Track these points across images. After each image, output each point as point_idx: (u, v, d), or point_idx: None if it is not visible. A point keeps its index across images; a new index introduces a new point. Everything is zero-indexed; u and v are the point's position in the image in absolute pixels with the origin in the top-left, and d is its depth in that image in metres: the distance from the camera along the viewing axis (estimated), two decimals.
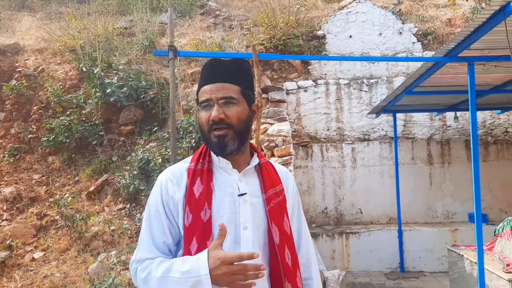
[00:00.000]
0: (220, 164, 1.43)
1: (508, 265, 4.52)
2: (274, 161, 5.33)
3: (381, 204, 7.84)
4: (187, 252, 1.33)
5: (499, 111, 7.75)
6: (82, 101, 7.72)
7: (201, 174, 1.40)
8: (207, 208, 1.34)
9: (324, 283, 3.32)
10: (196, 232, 1.32)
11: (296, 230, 1.52)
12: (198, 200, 1.35)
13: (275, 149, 5.42)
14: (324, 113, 8.55)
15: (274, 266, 1.38)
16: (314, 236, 7.12)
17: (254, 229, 1.37)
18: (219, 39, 9.25)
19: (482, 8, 9.98)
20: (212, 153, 1.44)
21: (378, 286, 6.34)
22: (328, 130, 8.51)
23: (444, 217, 7.78)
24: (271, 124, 6.36)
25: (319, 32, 9.48)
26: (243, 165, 1.44)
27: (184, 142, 6.61)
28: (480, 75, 4.59)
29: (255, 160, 1.47)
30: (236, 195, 1.38)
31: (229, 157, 1.41)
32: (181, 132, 6.86)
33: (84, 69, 7.84)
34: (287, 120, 6.81)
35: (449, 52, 3.80)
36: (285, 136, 5.57)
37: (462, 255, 5.42)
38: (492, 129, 8.16)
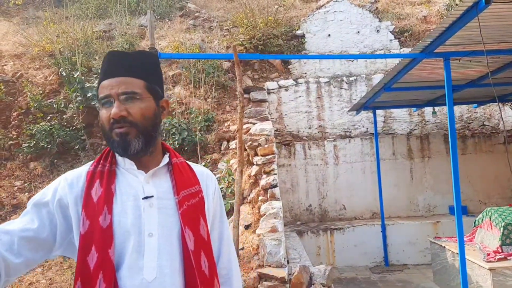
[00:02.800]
0: (126, 166, 1.29)
1: (488, 254, 4.65)
2: (258, 160, 5.33)
3: (364, 199, 7.95)
4: (84, 264, 1.16)
5: (475, 105, 7.95)
6: (62, 105, 7.61)
7: (101, 176, 1.25)
8: (106, 213, 1.19)
9: (310, 278, 3.37)
10: (95, 240, 1.17)
11: (217, 238, 1.40)
12: (96, 205, 1.20)
13: (258, 148, 5.45)
14: (306, 112, 8.62)
15: (189, 275, 1.24)
16: (300, 233, 7.18)
17: (162, 236, 1.22)
18: (199, 41, 9.24)
19: (456, 5, 10.21)
20: (116, 154, 1.30)
21: (364, 280, 6.43)
22: (310, 128, 8.59)
23: (425, 210, 7.94)
24: (254, 123, 6.39)
25: (298, 32, 9.55)
26: (152, 166, 1.30)
27: (168, 144, 6.58)
28: (456, 70, 4.71)
29: (165, 160, 1.33)
30: (140, 198, 1.24)
31: (135, 157, 1.28)
32: (164, 134, 6.83)
33: (64, 74, 7.72)
34: (269, 120, 6.85)
35: (425, 48, 3.89)
36: (267, 135, 5.60)
37: (444, 247, 5.55)
38: (469, 123, 8.36)
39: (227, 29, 9.97)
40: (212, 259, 1.30)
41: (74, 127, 7.34)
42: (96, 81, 7.63)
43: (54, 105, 7.63)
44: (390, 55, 7.93)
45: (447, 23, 3.29)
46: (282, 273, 3.47)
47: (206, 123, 7.26)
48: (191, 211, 1.28)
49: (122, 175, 1.29)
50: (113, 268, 1.17)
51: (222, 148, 6.95)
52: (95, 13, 10.26)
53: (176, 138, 6.71)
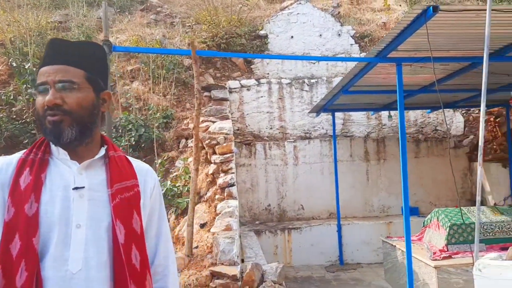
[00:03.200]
0: (59, 156, 1.27)
1: (434, 253, 4.85)
2: (216, 159, 5.31)
3: (322, 200, 8.08)
4: (6, 252, 1.14)
5: (429, 110, 8.26)
6: (12, 97, 7.28)
7: (32, 164, 1.23)
8: (33, 201, 1.17)
9: (262, 276, 3.39)
10: (19, 228, 1.15)
11: (154, 235, 1.39)
12: (23, 192, 1.18)
13: (217, 146, 5.43)
14: (267, 112, 8.67)
15: (118, 269, 1.22)
16: (258, 233, 7.21)
17: (90, 228, 1.21)
18: (160, 36, 9.10)
19: None
20: (51, 144, 1.28)
21: (318, 279, 6.54)
22: (271, 128, 8.64)
23: (380, 211, 8.17)
24: (213, 122, 6.36)
25: (262, 32, 9.59)
26: (87, 157, 1.29)
27: (123, 140, 6.44)
28: (409, 75, 4.88)
29: (101, 152, 1.32)
30: (70, 189, 1.22)
31: (70, 147, 1.26)
32: (120, 130, 6.67)
33: (14, 64, 7.40)
34: (229, 119, 6.84)
35: (379, 53, 4.00)
36: (226, 134, 5.59)
37: (395, 246, 5.74)
38: (423, 127, 8.67)
39: (190, 26, 9.87)
40: (144, 253, 1.28)
41: (23, 121, 7.04)
42: None
43: (3, 97, 7.29)
44: (346, 58, 8.12)
45: (398, 29, 3.40)
46: (234, 271, 3.47)
47: (165, 120, 7.16)
48: (124, 204, 1.27)
49: (54, 164, 1.27)
50: (37, 258, 1.14)
51: (181, 146, 6.88)
52: (51, 3, 9.88)
53: (133, 134, 6.58)
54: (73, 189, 1.23)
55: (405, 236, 4.13)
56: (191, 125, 7.05)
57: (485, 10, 2.82)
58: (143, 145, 6.68)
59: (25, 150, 1.30)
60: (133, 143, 6.52)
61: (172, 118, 7.35)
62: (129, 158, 1.41)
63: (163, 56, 8.20)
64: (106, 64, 1.42)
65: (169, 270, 1.41)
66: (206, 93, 7.94)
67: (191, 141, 6.53)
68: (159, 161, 6.19)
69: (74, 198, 1.22)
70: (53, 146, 1.29)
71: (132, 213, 1.27)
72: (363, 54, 9.21)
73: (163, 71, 7.95)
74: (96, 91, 1.31)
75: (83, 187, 1.24)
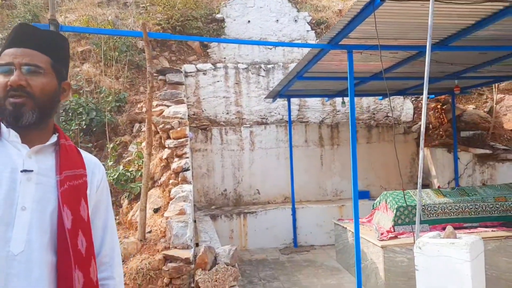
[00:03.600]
0: (10, 138, 1.26)
1: (382, 234, 5.07)
2: (170, 143, 5.25)
3: (277, 184, 8.21)
4: None
5: (380, 97, 8.54)
6: None
7: None
8: None
9: (215, 258, 3.43)
10: None
11: (101, 226, 1.41)
12: None
13: (171, 131, 5.37)
14: (224, 97, 8.64)
15: (62, 254, 1.23)
16: (214, 217, 7.24)
17: (35, 211, 1.21)
18: (112, 17, 8.79)
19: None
20: (2, 125, 1.27)
21: (273, 261, 6.68)
22: (227, 113, 8.63)
23: (333, 195, 8.42)
24: (168, 106, 6.27)
25: (218, 16, 9.49)
26: (39, 143, 1.29)
27: (74, 124, 6.22)
28: (361, 63, 5.00)
29: (52, 139, 1.33)
30: (18, 171, 1.22)
31: (24, 130, 1.26)
32: (70, 114, 6.44)
33: None
34: (184, 103, 6.76)
35: (331, 40, 4.08)
36: (181, 118, 5.53)
37: (346, 228, 5.95)
38: (375, 114, 8.96)
39: (144, 7, 9.60)
40: (90, 240, 1.30)
41: None
42: None
43: None
44: (300, 44, 8.22)
45: (349, 17, 3.48)
46: (187, 254, 3.49)
47: (117, 104, 6.97)
48: (72, 191, 1.28)
49: (3, 146, 1.26)
50: None
51: (134, 130, 6.73)
52: None
53: (84, 118, 6.37)
54: (21, 171, 1.23)
55: (354, 218, 4.29)
56: (145, 109, 6.91)
57: (429, 0, 2.93)
58: (94, 129, 6.49)
59: None
60: (84, 127, 6.32)
61: (125, 101, 7.17)
62: (79, 149, 1.43)
63: (115, 37, 7.93)
64: (69, 54, 1.44)
65: (114, 261, 1.44)
66: (161, 77, 7.79)
67: (145, 126, 6.42)
68: (111, 145, 6.03)
69: (21, 180, 1.22)
70: (3, 128, 1.27)
71: (80, 200, 1.30)
72: (319, 41, 9.32)
73: (115, 53, 7.71)
74: (59, 79, 1.34)
75: (32, 170, 1.24)
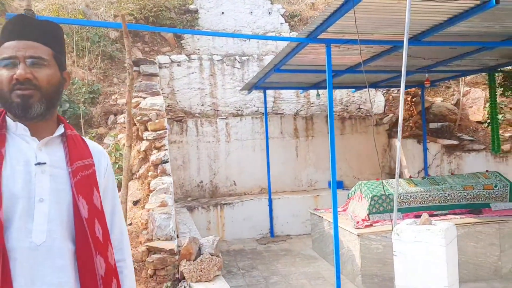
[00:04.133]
0: (18, 131, 1.28)
1: (357, 222, 5.25)
2: (148, 135, 5.23)
3: (253, 175, 8.30)
4: None
5: (353, 90, 8.73)
6: None
7: None
8: None
9: (199, 249, 3.48)
10: None
11: (109, 212, 1.45)
12: None
13: (149, 123, 5.34)
14: (198, 89, 8.62)
15: (82, 242, 1.27)
16: (190, 209, 7.27)
17: (53, 202, 1.25)
18: (83, 6, 8.57)
19: None
20: (8, 119, 1.28)
21: (250, 251, 6.79)
22: (202, 105, 8.62)
23: (308, 185, 8.58)
24: (144, 98, 6.21)
25: (192, 7, 9.41)
26: (46, 135, 1.31)
27: None
28: (336, 56, 5.11)
29: (60, 130, 1.35)
30: (32, 164, 1.25)
31: (31, 122, 1.28)
32: None
33: None
34: (160, 94, 6.71)
35: (310, 34, 4.16)
36: (158, 110, 5.51)
37: (322, 217, 6.11)
38: (348, 106, 9.16)
39: None
40: (105, 227, 1.35)
41: None
42: None
43: None
44: (280, 37, 8.27)
45: (329, 12, 3.56)
46: (171, 245, 3.52)
47: (91, 95, 6.84)
48: (85, 182, 1.32)
49: (12, 140, 1.27)
50: (2, 228, 1.16)
51: (109, 122, 6.64)
52: None
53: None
54: (35, 164, 1.25)
55: (333, 208, 4.42)
56: (120, 101, 6.83)
57: None
58: (68, 121, 6.33)
59: None
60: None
61: (99, 93, 7.05)
62: (84, 138, 1.45)
63: (87, 27, 7.76)
64: (64, 44, 1.44)
65: (124, 243, 1.49)
66: (135, 68, 7.68)
67: (121, 117, 6.34)
68: (87, 137, 5.94)
69: (36, 173, 1.25)
70: (10, 121, 1.28)
71: (93, 190, 1.33)
72: (293, 33, 9.42)
73: (87, 44, 7.54)
74: (60, 69, 1.35)
75: (45, 163, 1.27)
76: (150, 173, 4.94)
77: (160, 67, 8.33)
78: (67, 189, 1.28)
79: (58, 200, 1.26)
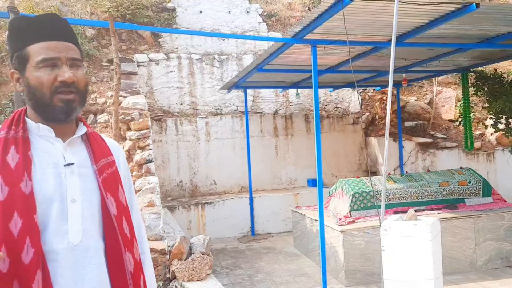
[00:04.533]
0: (40, 133, 1.26)
1: (340, 219, 5.36)
2: (132, 135, 5.18)
3: (233, 174, 8.33)
4: (6, 231, 1.13)
5: (331, 89, 8.88)
6: None
7: (15, 142, 1.21)
8: (27, 179, 1.17)
9: (190, 248, 3.49)
10: (17, 206, 1.14)
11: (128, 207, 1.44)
12: (15, 171, 1.17)
13: (132, 122, 5.29)
14: (177, 87, 8.58)
15: (112, 239, 1.28)
16: (171, 209, 7.23)
17: (84, 202, 1.25)
18: (58, 3, 8.37)
19: None
20: (28, 121, 1.26)
21: (233, 250, 6.82)
22: (181, 104, 8.58)
23: (288, 184, 8.68)
24: (124, 97, 6.13)
25: (169, 5, 9.34)
26: (68, 134, 1.30)
27: None
28: (318, 56, 5.20)
29: (82, 129, 1.34)
30: (61, 165, 1.24)
31: (58, 124, 1.27)
32: (21, 104, 6.10)
33: None
34: (141, 93, 6.65)
35: (296, 34, 4.22)
36: (141, 109, 5.46)
37: (304, 215, 6.21)
38: (326, 105, 9.31)
39: None
40: (131, 223, 1.37)
41: None
42: None
43: None
44: (265, 37, 8.33)
45: (316, 13, 3.64)
46: (162, 245, 3.51)
47: None
48: (111, 179, 1.33)
49: (37, 142, 1.26)
50: (39, 233, 1.16)
51: (89, 122, 6.52)
52: None
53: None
54: (65, 165, 1.25)
55: (319, 205, 4.51)
56: (99, 100, 6.72)
57: (393, 0, 3.15)
58: None
59: None
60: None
61: None
62: (100, 134, 1.45)
63: None
64: None
65: (142, 238, 1.52)
66: (112, 67, 7.55)
67: (101, 117, 6.25)
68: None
69: (66, 174, 1.25)
70: (32, 123, 1.27)
71: (118, 186, 1.35)
72: (270, 33, 9.49)
73: None
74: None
75: (73, 163, 1.27)
76: (134, 173, 4.89)
77: (138, 66, 8.24)
78: (95, 188, 1.29)
79: (89, 199, 1.27)
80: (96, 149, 1.34)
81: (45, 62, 1.22)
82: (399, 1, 3.07)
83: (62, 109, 1.24)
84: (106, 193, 1.29)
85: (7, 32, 1.28)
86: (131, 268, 1.30)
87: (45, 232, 1.19)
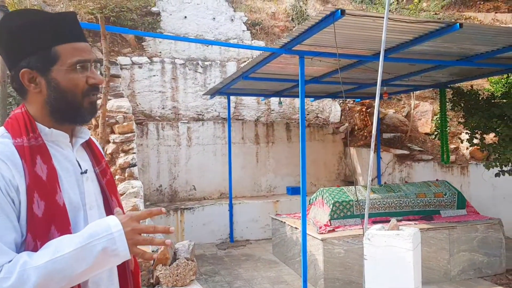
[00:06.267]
0: (52, 138, 1.21)
1: (320, 227, 5.44)
2: (115, 138, 5.12)
3: (213, 180, 8.32)
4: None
5: (312, 99, 9.02)
6: None
7: (40, 151, 1.15)
8: (59, 191, 1.14)
9: (175, 254, 3.48)
10: (55, 220, 1.11)
11: None
12: (47, 183, 1.12)
13: (116, 125, 5.24)
14: (160, 92, 8.55)
15: None
16: None
17: (98, 208, 1.26)
18: (40, 2, 8.24)
19: (301, 6, 11.31)
20: (40, 125, 1.19)
21: (211, 256, 6.80)
22: (163, 108, 8.55)
23: (267, 191, 8.73)
24: (108, 99, 6.07)
25: (154, 9, 9.33)
26: (72, 138, 1.28)
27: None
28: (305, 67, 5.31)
29: (86, 132, 1.31)
30: (78, 173, 1.22)
31: (68, 128, 1.25)
32: None
33: None
34: (124, 96, 6.60)
35: (284, 45, 4.30)
36: (125, 112, 5.42)
37: (284, 222, 6.26)
38: (307, 114, 9.42)
39: None
40: None
41: None
42: None
43: None
44: (251, 46, 8.40)
45: (307, 26, 3.73)
46: (146, 250, 3.48)
47: None
48: (111, 182, 1.35)
49: (52, 148, 1.21)
50: None
51: None
52: None
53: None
54: (81, 173, 1.24)
55: (302, 213, 4.57)
56: None
57: (382, 17, 3.27)
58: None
59: (2, 132, 1.17)
60: None
61: None
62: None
63: None
64: None
65: None
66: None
67: (100, 120, 6.16)
68: None
69: (83, 181, 1.24)
70: (44, 128, 1.20)
71: (116, 188, 1.39)
72: (254, 41, 9.59)
73: None
74: None
75: (86, 170, 1.27)
76: (117, 177, 4.85)
77: (121, 69, 8.17)
78: (99, 192, 1.29)
79: (99, 204, 1.28)
80: (97, 152, 1.35)
81: (80, 64, 1.19)
82: (388, 18, 3.18)
83: (90, 111, 1.24)
84: (111, 196, 1.30)
85: (13, 27, 1.27)
86: (132, 267, 1.33)
87: None
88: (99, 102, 6.15)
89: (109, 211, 1.28)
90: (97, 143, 1.43)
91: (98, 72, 1.27)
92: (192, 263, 3.40)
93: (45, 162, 1.15)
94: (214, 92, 7.66)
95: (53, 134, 1.21)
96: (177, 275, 3.31)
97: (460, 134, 8.48)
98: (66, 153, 1.24)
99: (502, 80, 5.97)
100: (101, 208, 1.28)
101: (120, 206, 1.33)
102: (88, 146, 1.34)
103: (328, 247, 5.04)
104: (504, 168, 5.67)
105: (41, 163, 1.14)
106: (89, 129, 6.12)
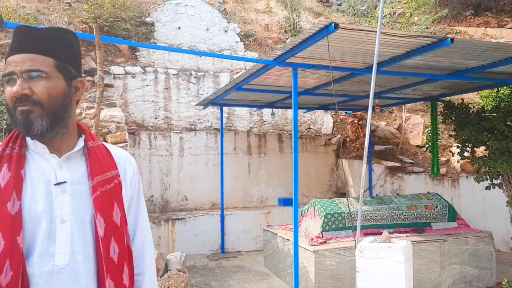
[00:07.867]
0: (37, 149, 1.23)
1: (312, 239, 5.43)
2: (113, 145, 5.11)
3: (205, 191, 8.29)
4: None
5: (305, 110, 9.06)
6: None
7: (9, 159, 1.18)
8: (15, 199, 1.14)
9: (166, 265, 3.45)
10: (2, 227, 1.12)
11: (132, 222, 1.38)
12: (3, 190, 1.14)
13: (109, 135, 5.21)
14: (152, 101, 8.54)
15: (99, 261, 1.23)
16: None
17: (75, 222, 1.20)
18: (34, 11, 8.23)
19: (294, 18, 11.43)
20: (27, 138, 1.23)
21: (202, 267, 6.75)
22: (156, 118, 8.53)
23: (259, 202, 8.71)
24: (101, 109, 6.05)
25: (148, 19, 9.36)
26: (67, 150, 1.26)
27: None
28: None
29: (80, 144, 1.29)
30: (52, 184, 1.20)
31: (43, 139, 1.23)
32: None
33: None
34: (117, 106, 6.58)
35: (278, 57, 4.34)
36: (118, 122, 5.40)
37: (276, 234, 6.24)
38: (299, 126, 9.47)
39: (68, 2, 9.12)
40: (123, 245, 1.28)
41: None
42: None
43: None
44: (244, 58, 8.45)
45: (301, 38, 3.76)
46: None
47: None
48: (105, 197, 1.26)
49: (32, 159, 1.22)
50: (22, 256, 1.13)
51: None
52: None
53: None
54: (55, 184, 1.21)
55: (294, 225, 4.57)
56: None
57: (375, 31, 3.32)
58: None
59: None
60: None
61: None
62: (107, 145, 1.39)
63: None
64: (78, 50, 1.35)
65: (145, 256, 1.43)
66: (89, 78, 7.46)
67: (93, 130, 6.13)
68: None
69: (56, 193, 1.21)
70: (29, 140, 1.24)
71: (113, 205, 1.28)
72: (247, 53, 9.64)
73: None
74: (68, 79, 1.27)
75: (65, 182, 1.23)
76: None
77: (114, 78, 8.16)
78: (89, 206, 1.24)
79: (80, 219, 1.23)
80: (94, 164, 1.28)
81: (5, 77, 1.21)
82: (381, 32, 3.23)
83: (20, 122, 1.19)
84: (97, 212, 1.24)
85: None
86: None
87: (32, 254, 1.16)
88: (91, 111, 6.14)
89: (95, 227, 1.23)
90: (118, 153, 1.38)
91: (44, 82, 1.20)
92: (183, 275, 3.38)
93: (11, 171, 1.17)
94: (207, 103, 7.67)
95: (36, 145, 1.25)
96: (169, 287, 3.28)
97: (451, 147, 8.56)
98: (45, 164, 1.23)
99: (492, 94, 6.05)
100: (84, 224, 1.23)
101: (108, 226, 1.24)
102: (94, 157, 1.29)
103: (319, 259, 5.03)
104: (494, 181, 5.72)
105: (5, 171, 1.17)
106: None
